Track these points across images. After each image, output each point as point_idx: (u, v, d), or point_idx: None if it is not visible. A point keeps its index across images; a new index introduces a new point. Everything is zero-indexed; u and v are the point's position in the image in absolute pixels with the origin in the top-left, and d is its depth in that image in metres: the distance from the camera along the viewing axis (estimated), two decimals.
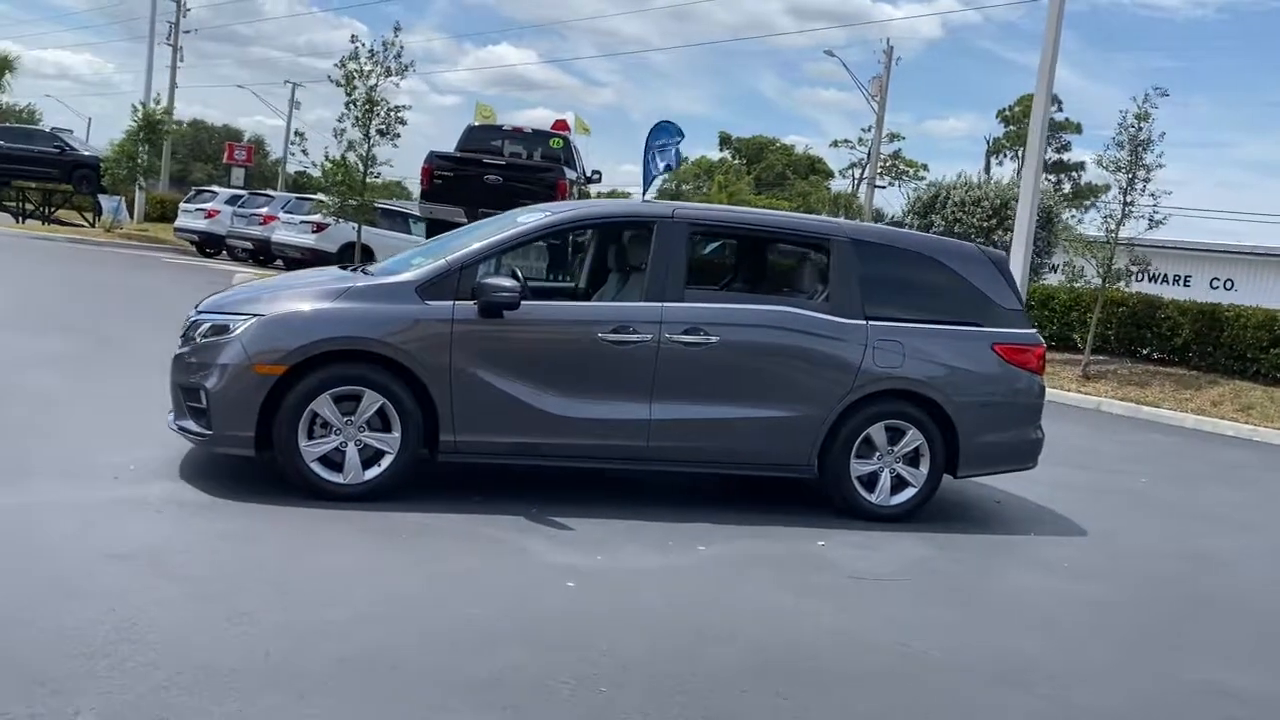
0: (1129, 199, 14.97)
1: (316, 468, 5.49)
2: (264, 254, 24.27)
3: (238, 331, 5.45)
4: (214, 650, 3.51)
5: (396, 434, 5.55)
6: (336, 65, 18.70)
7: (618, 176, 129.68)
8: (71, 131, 33.33)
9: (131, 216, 33.96)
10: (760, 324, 6.07)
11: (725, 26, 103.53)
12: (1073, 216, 19.27)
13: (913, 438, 6.29)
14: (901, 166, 66.66)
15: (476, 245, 5.85)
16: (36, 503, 4.90)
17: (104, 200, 30.82)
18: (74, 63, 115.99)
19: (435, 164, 15.71)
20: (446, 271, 5.67)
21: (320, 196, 21.35)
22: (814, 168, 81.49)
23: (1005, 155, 63.69)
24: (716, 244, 8.13)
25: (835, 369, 6.12)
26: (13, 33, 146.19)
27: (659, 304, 5.89)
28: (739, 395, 5.99)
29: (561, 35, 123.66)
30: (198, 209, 27.29)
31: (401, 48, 18.46)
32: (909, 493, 6.35)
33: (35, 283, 15.50)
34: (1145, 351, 16.54)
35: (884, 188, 62.65)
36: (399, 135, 18.94)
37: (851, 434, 6.19)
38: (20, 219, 30.54)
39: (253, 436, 5.40)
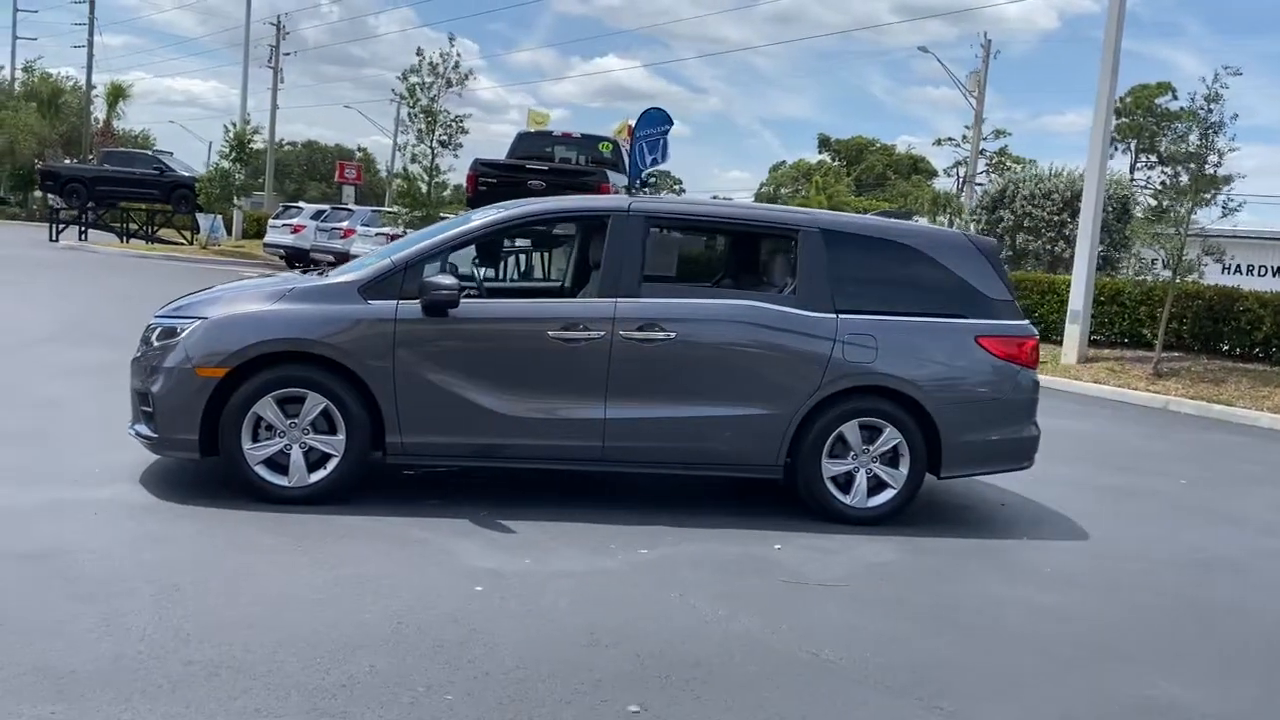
0: (1199, 186, 14.08)
1: (261, 471, 5.47)
2: None
3: (182, 335, 5.48)
4: (64, 653, 3.48)
5: (341, 436, 5.49)
6: (399, 78, 19.05)
7: (723, 183, 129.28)
8: (171, 154, 34.75)
9: (229, 234, 35.23)
10: (720, 319, 5.83)
11: (830, 27, 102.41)
12: (1158, 209, 18.29)
13: (890, 436, 5.96)
14: (1007, 163, 64.88)
15: (422, 244, 5.76)
16: None
17: (202, 219, 32.04)
18: (201, 90, 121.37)
19: (480, 171, 15.80)
20: (390, 271, 5.61)
21: (392, 209, 21.77)
22: (916, 167, 79.85)
23: (1116, 148, 61.34)
24: (678, 238, 7.92)
25: (802, 365, 5.84)
26: (142, 62, 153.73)
27: (612, 300, 5.71)
28: (699, 393, 5.77)
29: (665, 44, 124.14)
30: (284, 225, 28.12)
31: (459, 57, 18.67)
32: (888, 494, 6.02)
33: (103, 297, 16.10)
34: (1223, 347, 15.53)
35: (985, 186, 61.13)
36: (460, 145, 19.19)
37: (822, 433, 5.89)
38: (124, 238, 32.00)
39: (196, 440, 5.42)
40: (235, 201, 34.13)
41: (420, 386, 5.51)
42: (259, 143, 33.43)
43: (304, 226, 27.28)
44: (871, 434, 5.98)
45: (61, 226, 31.55)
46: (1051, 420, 6.54)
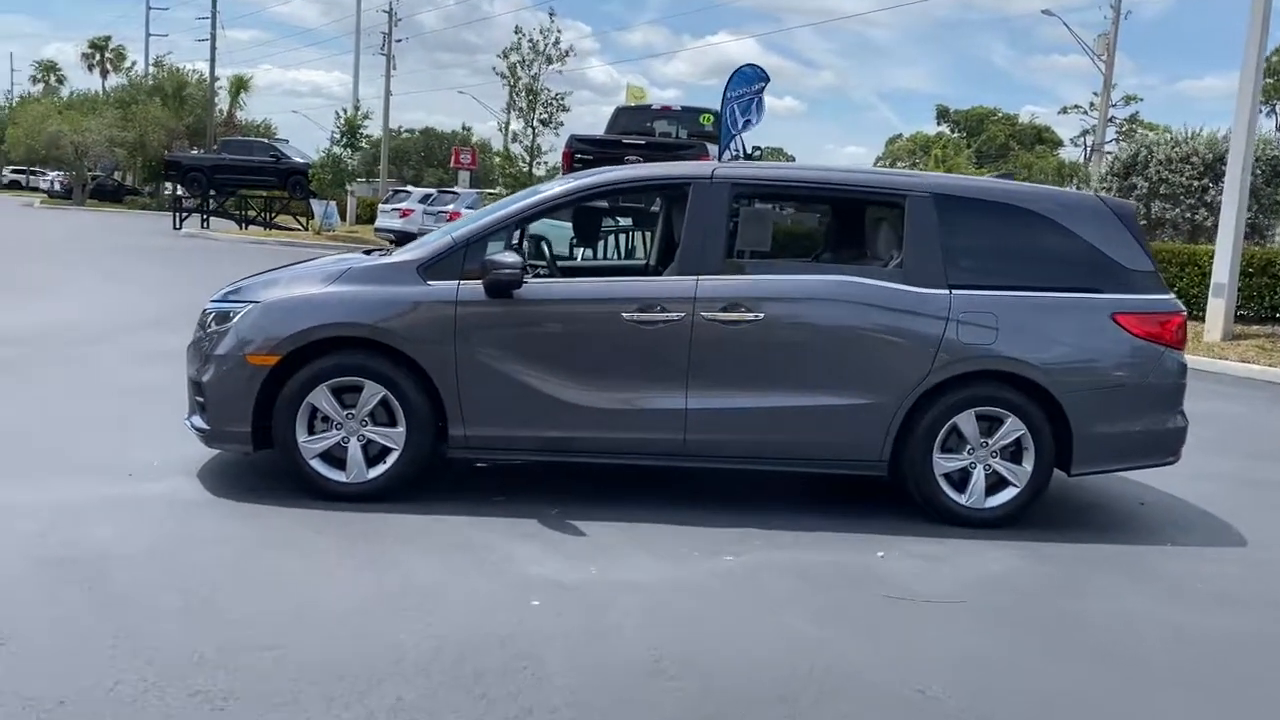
0: None
1: (317, 465, 5.11)
2: None
3: (235, 320, 5.14)
4: (60, 678, 3.12)
5: (401, 429, 5.09)
6: (499, 55, 18.75)
7: (838, 159, 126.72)
8: (286, 141, 35.45)
9: (343, 219, 35.78)
10: (814, 297, 5.20)
11: None
12: None
13: (1012, 427, 5.25)
14: (1139, 130, 61.67)
15: (486, 219, 5.29)
16: (26, 501, 4.74)
17: (315, 205, 32.58)
18: (325, 80, 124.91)
19: (575, 147, 15.34)
20: (450, 249, 5.16)
21: (494, 191, 21.58)
22: (1040, 137, 76.70)
23: (1262, 109, 57.56)
24: (768, 208, 7.25)
25: (910, 348, 5.18)
26: (269, 55, 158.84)
27: (693, 278, 5.14)
28: (792, 381, 5.16)
29: (777, 18, 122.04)
30: (393, 209, 28.31)
31: (560, 34, 18.26)
32: (1009, 493, 5.32)
33: (213, 282, 16.22)
34: None
35: (1115, 151, 58.19)
36: (561, 124, 18.81)
37: (934, 424, 5.22)
38: (243, 225, 32.77)
39: (249, 432, 5.07)
40: (348, 187, 34.60)
41: (484, 374, 5.05)
42: (370, 128, 33.75)
43: (412, 210, 27.39)
44: (991, 425, 5.28)
45: (184, 215, 32.47)
46: (1195, 404, 5.72)
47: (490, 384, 5.07)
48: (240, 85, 49.39)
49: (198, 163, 32.91)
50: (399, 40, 45.07)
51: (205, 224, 32.08)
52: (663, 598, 4.11)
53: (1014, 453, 5.32)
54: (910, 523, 5.25)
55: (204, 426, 5.20)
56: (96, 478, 5.21)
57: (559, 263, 6.58)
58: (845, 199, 5.92)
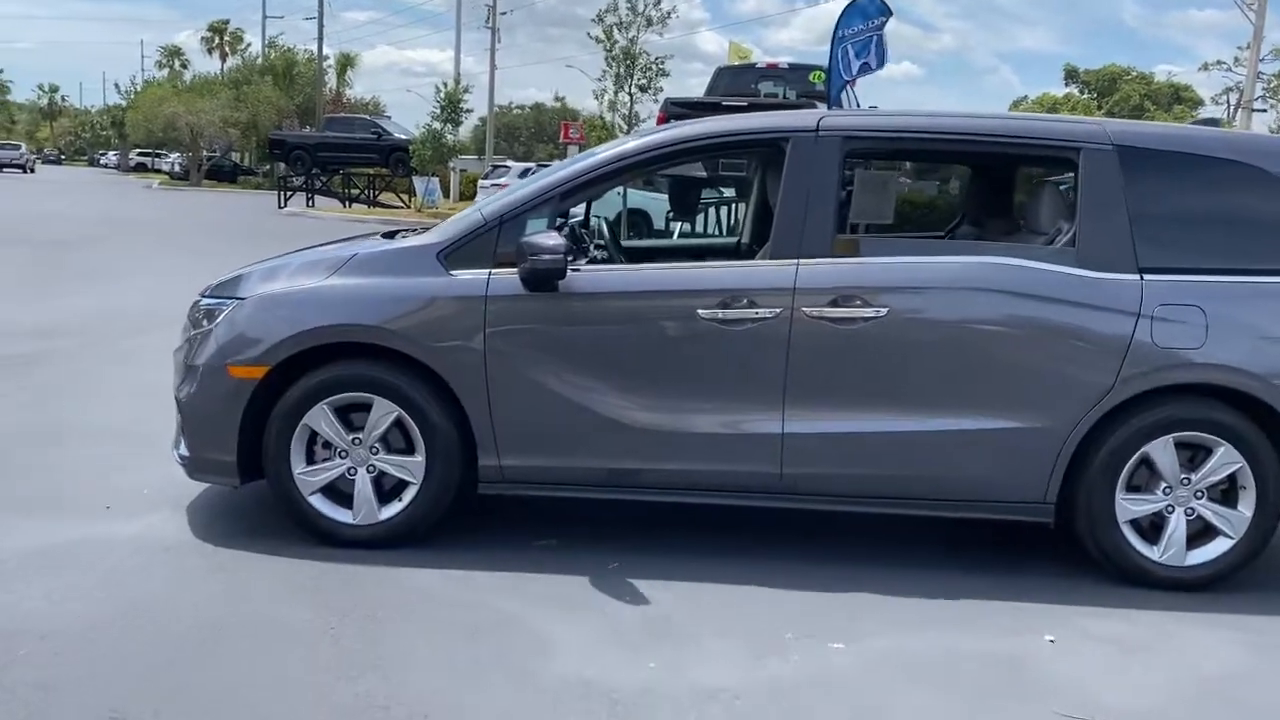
0: None
1: (318, 502, 4.08)
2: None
3: (217, 321, 4.14)
4: None
5: (420, 458, 4.02)
6: (594, 19, 17.61)
7: None
8: (389, 118, 35.06)
9: (446, 196, 35.27)
10: (955, 287, 3.92)
11: None
12: None
13: (1225, 459, 3.90)
14: None
15: (525, 189, 4.15)
16: None
17: (417, 182, 32.09)
18: (439, 59, 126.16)
19: (671, 111, 14.04)
20: (480, 228, 4.04)
21: None
22: (1179, 97, 72.03)
23: None
24: (890, 171, 5.85)
25: (1086, 353, 3.87)
26: (384, 34, 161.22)
27: (791, 263, 3.92)
28: (923, 398, 3.91)
29: None
30: (493, 184, 27.51)
31: None
32: (1220, 546, 3.97)
33: None
34: None
35: (1264, 110, 54.14)
36: (660, 89, 17.59)
37: (1117, 455, 3.91)
38: (346, 203, 32.49)
39: (234, 462, 4.07)
40: (450, 163, 34.04)
41: (523, 389, 3.94)
42: (475, 104, 33.08)
43: (509, 185, 26.56)
44: (1195, 456, 3.94)
45: (289, 193, 32.36)
46: None
47: (530, 401, 3.96)
48: (346, 63, 49.52)
49: (301, 141, 32.76)
50: (504, 13, 44.36)
51: (310, 202, 31.87)
52: (745, 714, 2.93)
53: (1226, 493, 3.96)
54: (1085, 587, 3.96)
55: (185, 454, 4.21)
56: (63, 512, 4.29)
57: (626, 242, 5.41)
58: (995, 155, 4.58)
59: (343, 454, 4.06)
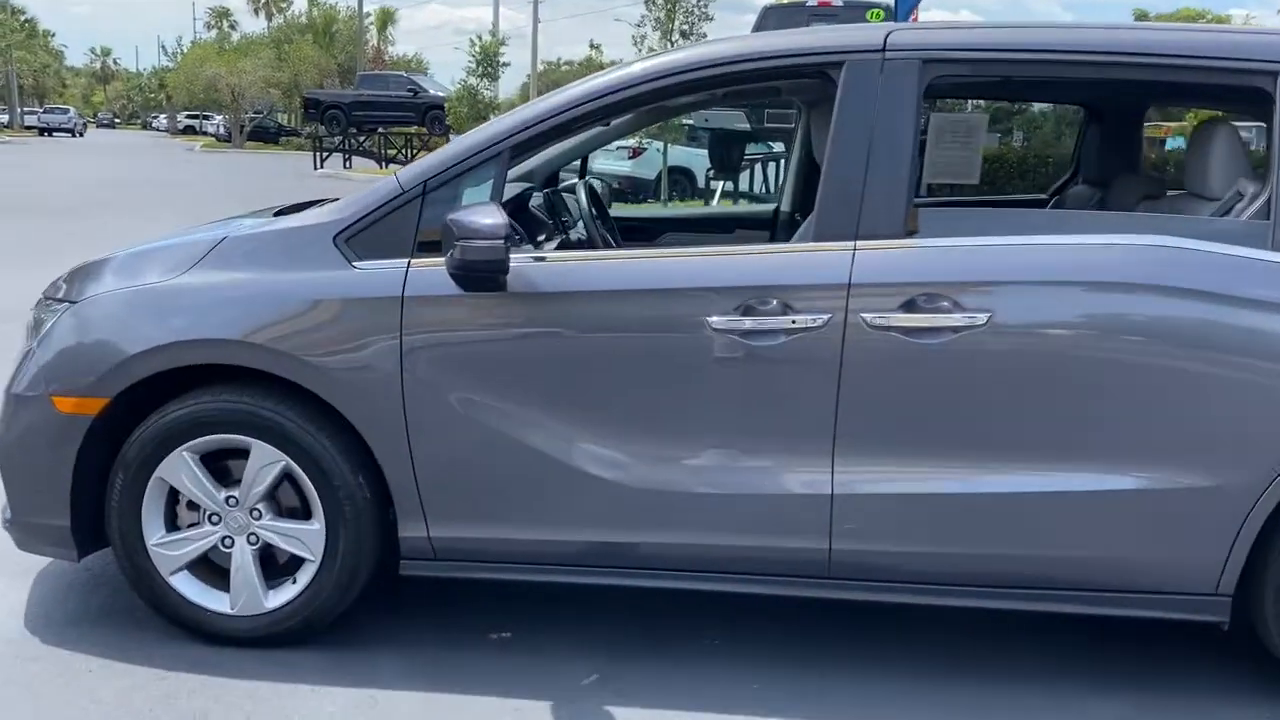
0: None
1: (181, 584, 2.94)
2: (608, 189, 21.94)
3: (43, 333, 2.99)
4: None
5: (318, 525, 2.85)
6: None
7: None
8: (426, 74, 33.90)
9: None
10: (1092, 281, 2.63)
11: None
12: None
13: None
14: None
15: (459, 144, 2.90)
16: None
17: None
18: (490, 17, 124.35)
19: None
20: (395, 198, 2.81)
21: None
22: None
23: None
24: (980, 115, 4.44)
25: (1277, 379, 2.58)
26: None
27: (846, 246, 2.66)
28: (1038, 445, 2.65)
29: None
30: None
31: None
32: None
33: None
34: None
35: None
36: (705, 34, 16.16)
37: None
38: (383, 163, 31.43)
39: (68, 528, 2.93)
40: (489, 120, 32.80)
41: (457, 431, 2.75)
42: (509, 58, 31.77)
43: None
44: None
45: (325, 154, 31.37)
46: None
47: (469, 449, 2.77)
48: (386, 19, 48.29)
49: (337, 100, 31.71)
50: None
51: (348, 163, 30.87)
52: None
53: None
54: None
55: (8, 517, 3.08)
56: None
57: (622, 210, 4.15)
58: (1137, 84, 3.24)
59: (214, 518, 2.90)
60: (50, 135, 55.28)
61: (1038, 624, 3.09)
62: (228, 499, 2.88)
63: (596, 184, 4.78)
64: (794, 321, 2.62)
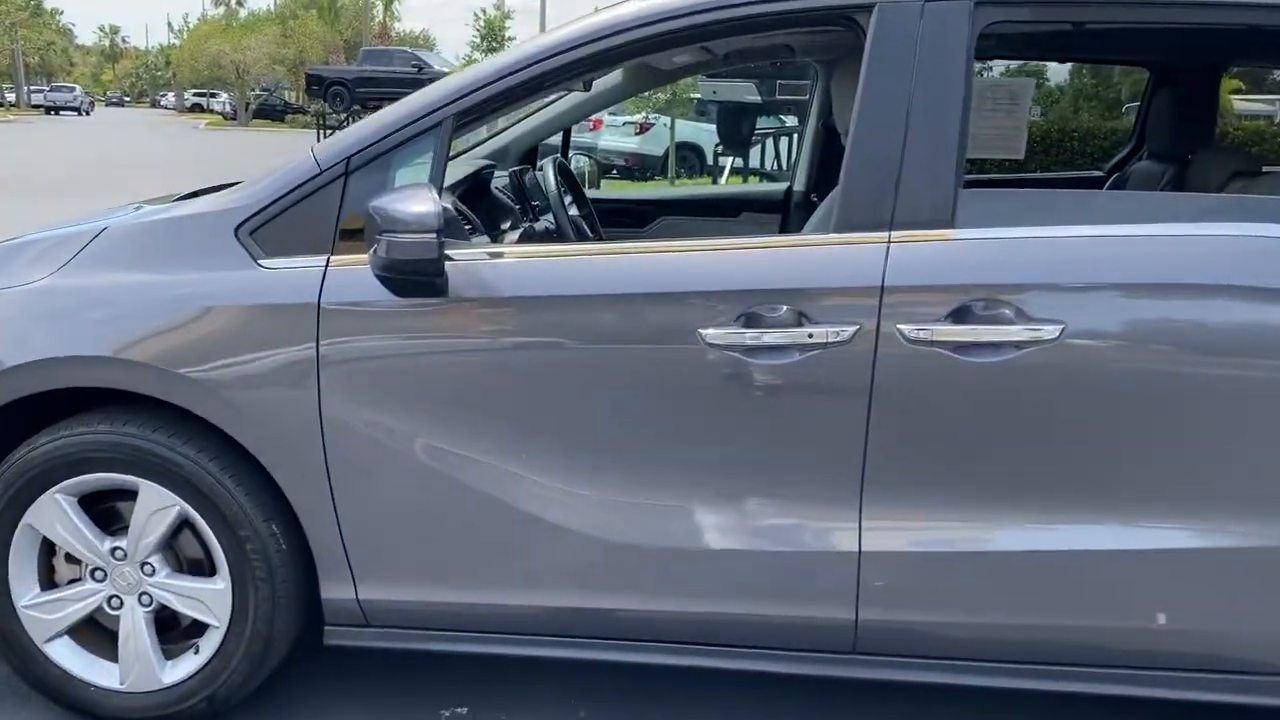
0: None
1: (60, 654, 2.41)
2: (615, 167, 20.92)
3: None
4: None
5: (222, 583, 2.31)
6: None
7: None
8: (432, 49, 33.23)
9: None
10: (1187, 283, 2.05)
11: None
12: None
13: None
14: None
15: (391, 113, 2.32)
16: None
17: None
18: None
19: None
20: (310, 179, 2.23)
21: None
22: None
23: None
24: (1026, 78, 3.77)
25: None
26: None
27: (878, 237, 2.08)
28: (1124, 488, 2.08)
29: None
30: None
31: None
32: None
33: None
34: None
35: None
36: None
37: None
38: None
39: None
40: None
41: (391, 470, 2.20)
42: (514, 31, 31.10)
43: None
44: None
45: (328, 132, 30.80)
46: None
47: (405, 492, 2.22)
48: None
49: (340, 76, 30.98)
50: None
51: None
52: None
53: None
54: None
55: None
56: None
57: (600, 192, 3.57)
58: (1226, 35, 2.64)
59: (98, 574, 2.37)
60: (57, 114, 54.73)
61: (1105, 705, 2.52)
62: (114, 550, 2.34)
63: (583, 161, 4.21)
64: (811, 335, 2.06)
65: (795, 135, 13.22)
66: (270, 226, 2.22)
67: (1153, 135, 3.40)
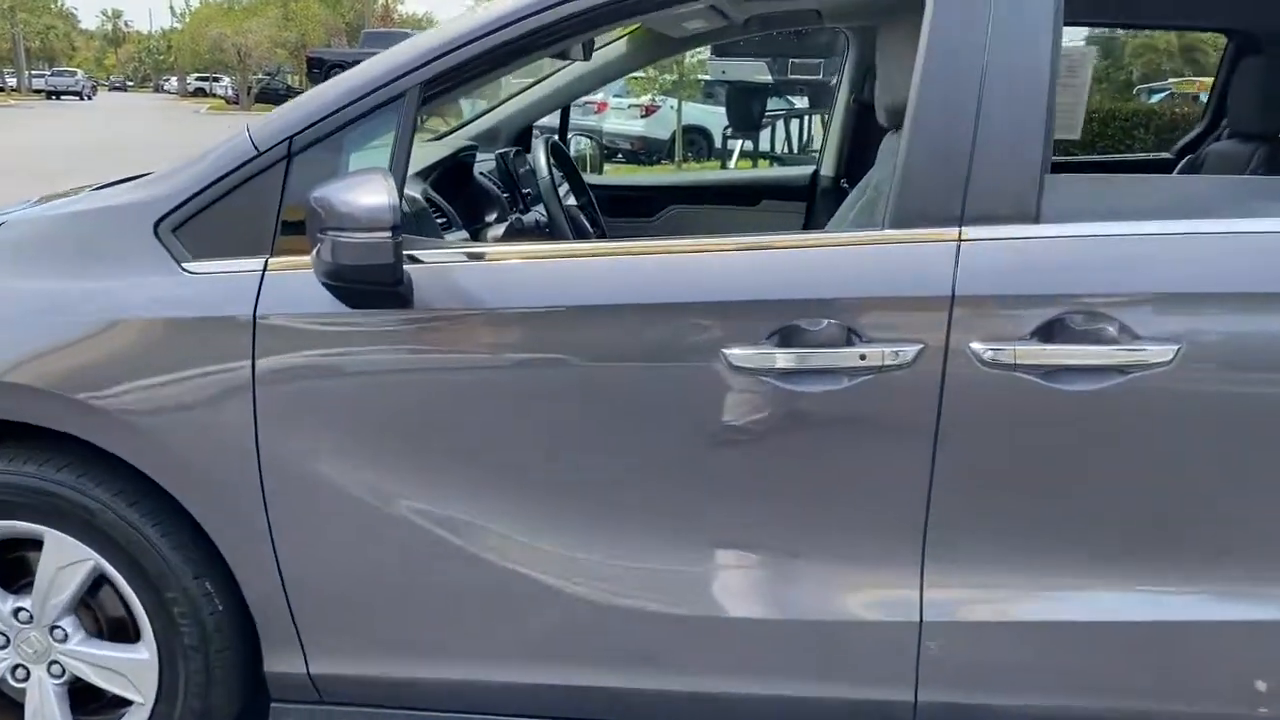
0: None
1: None
2: (620, 151, 20.13)
3: None
4: None
5: (145, 652, 1.92)
6: None
7: None
8: None
9: None
10: None
11: None
12: None
13: None
14: None
15: (340, 85, 1.91)
16: None
17: (464, 101, 29.83)
18: None
19: None
20: (244, 164, 1.82)
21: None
22: None
23: None
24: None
25: None
26: None
27: (944, 234, 1.66)
28: (1247, 545, 1.68)
29: None
30: None
31: None
32: None
33: None
34: None
35: None
36: None
37: None
38: None
39: None
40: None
41: (345, 521, 1.80)
42: None
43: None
44: None
45: None
46: None
47: (364, 547, 1.82)
48: None
49: (340, 59, 30.34)
50: None
51: None
52: None
53: None
54: None
55: None
56: None
57: (598, 178, 3.15)
58: None
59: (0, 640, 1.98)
60: (58, 98, 54.27)
61: None
62: (16, 612, 1.95)
63: (584, 143, 3.79)
64: (863, 356, 1.65)
65: (805, 118, 12.76)
66: (197, 222, 1.81)
67: (1237, 112, 2.97)
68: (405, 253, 1.70)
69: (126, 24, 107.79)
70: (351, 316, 1.73)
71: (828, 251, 1.76)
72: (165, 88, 79.44)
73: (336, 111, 1.81)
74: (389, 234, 1.57)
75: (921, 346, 1.64)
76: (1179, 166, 3.12)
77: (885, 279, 1.69)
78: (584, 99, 20.79)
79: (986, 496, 1.70)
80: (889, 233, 1.70)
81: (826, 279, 1.70)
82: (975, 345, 1.63)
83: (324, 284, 1.67)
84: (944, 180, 1.68)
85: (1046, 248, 1.67)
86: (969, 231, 1.66)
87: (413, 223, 1.93)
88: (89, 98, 57.29)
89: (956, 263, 1.65)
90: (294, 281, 1.75)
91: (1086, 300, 1.63)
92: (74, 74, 60.80)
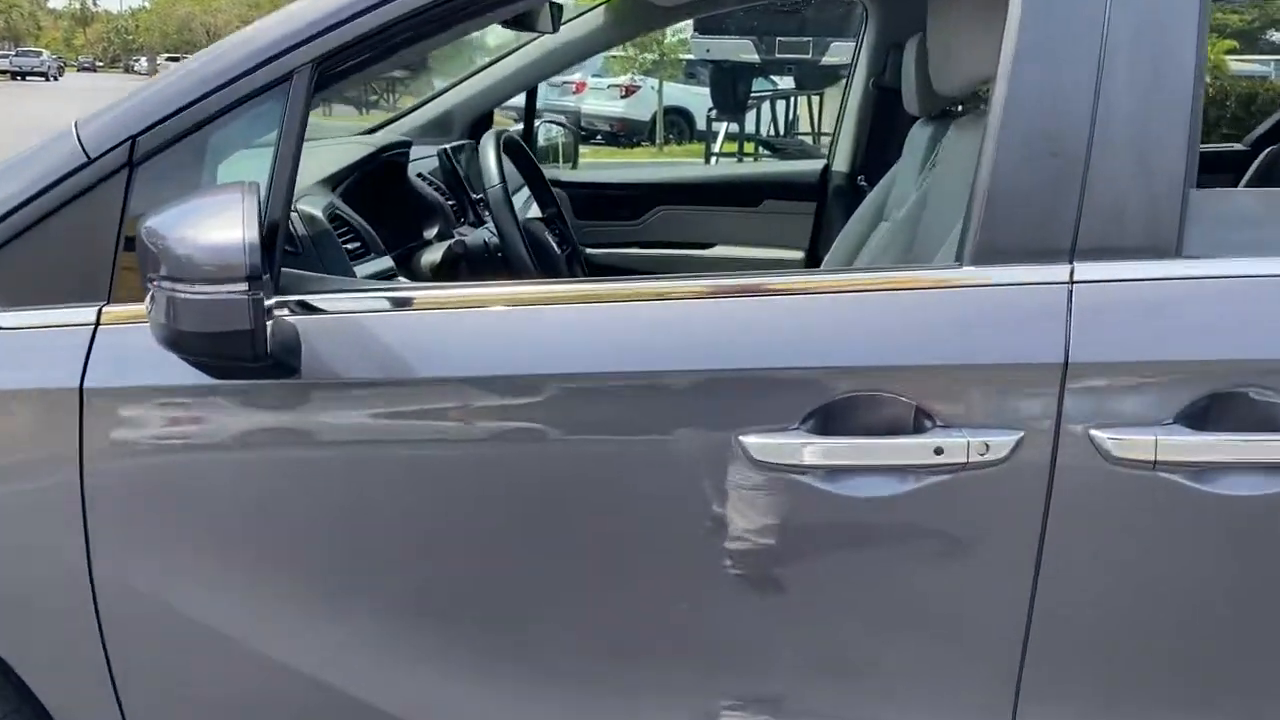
0: None
1: None
2: (600, 133, 19.24)
3: None
4: None
5: None
6: None
7: None
8: None
9: None
10: None
11: None
12: None
13: None
14: None
15: (211, 61, 1.40)
16: None
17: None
18: None
19: None
20: (68, 178, 1.29)
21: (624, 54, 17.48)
22: None
23: None
24: None
25: None
26: None
27: (1052, 273, 1.18)
28: None
29: None
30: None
31: None
32: None
33: None
34: None
35: None
36: None
37: None
38: (364, 110, 29.77)
39: None
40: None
41: (212, 659, 1.30)
42: None
43: None
44: None
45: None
46: None
47: (241, 691, 1.32)
48: None
49: None
50: None
51: (327, 110, 29.22)
52: None
53: None
54: None
55: None
56: None
57: (567, 172, 2.63)
58: None
59: None
60: (23, 79, 53.10)
61: None
62: None
63: (555, 131, 3.28)
64: (939, 450, 1.16)
65: (792, 99, 12.24)
66: (2, 257, 1.30)
67: None
68: (298, 299, 1.21)
69: (95, 3, 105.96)
70: (215, 387, 1.22)
71: (881, 297, 1.26)
72: (135, 68, 78.10)
73: (197, 102, 1.29)
74: (244, 286, 1.06)
75: (1020, 435, 1.15)
76: (1258, 162, 2.63)
77: (968, 339, 1.19)
78: (559, 79, 20.26)
79: (1111, 644, 1.22)
80: (969, 271, 1.21)
81: (883, 337, 1.21)
82: (1097, 433, 1.14)
83: (163, 342, 1.16)
84: (1047, 197, 1.19)
85: (1193, 294, 1.18)
86: (1084, 270, 1.17)
87: (311, 252, 1.44)
88: (56, 78, 56.07)
89: (1069, 315, 1.16)
90: (138, 339, 1.24)
91: (1256, 369, 1.15)
92: (39, 54, 59.51)
